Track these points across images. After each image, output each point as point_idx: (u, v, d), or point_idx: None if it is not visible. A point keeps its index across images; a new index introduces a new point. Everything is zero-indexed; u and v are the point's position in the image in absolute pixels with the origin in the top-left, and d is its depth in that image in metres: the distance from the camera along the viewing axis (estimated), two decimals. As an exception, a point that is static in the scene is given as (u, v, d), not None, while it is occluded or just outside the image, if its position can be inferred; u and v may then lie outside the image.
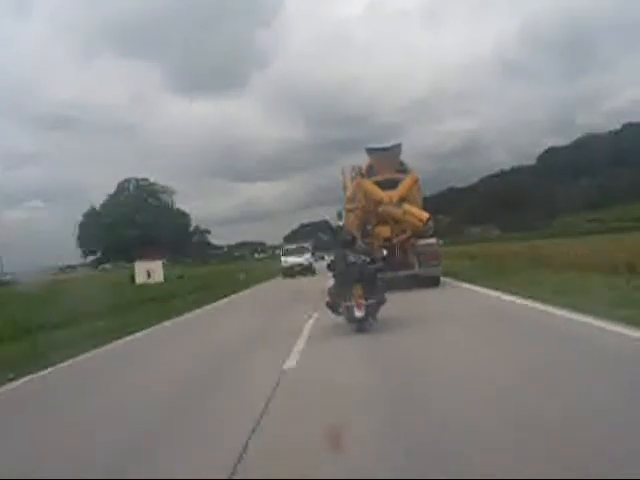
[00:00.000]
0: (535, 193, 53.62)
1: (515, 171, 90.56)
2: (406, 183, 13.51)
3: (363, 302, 7.40)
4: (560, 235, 28.14)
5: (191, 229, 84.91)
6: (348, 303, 7.48)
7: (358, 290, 7.42)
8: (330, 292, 8.05)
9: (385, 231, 13.52)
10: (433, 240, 13.87)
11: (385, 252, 10.85)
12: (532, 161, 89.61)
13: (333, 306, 7.89)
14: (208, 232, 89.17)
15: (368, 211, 13.88)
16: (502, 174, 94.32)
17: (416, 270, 13.48)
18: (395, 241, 13.41)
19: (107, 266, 77.64)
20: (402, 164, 14.09)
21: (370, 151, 13.81)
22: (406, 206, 13.30)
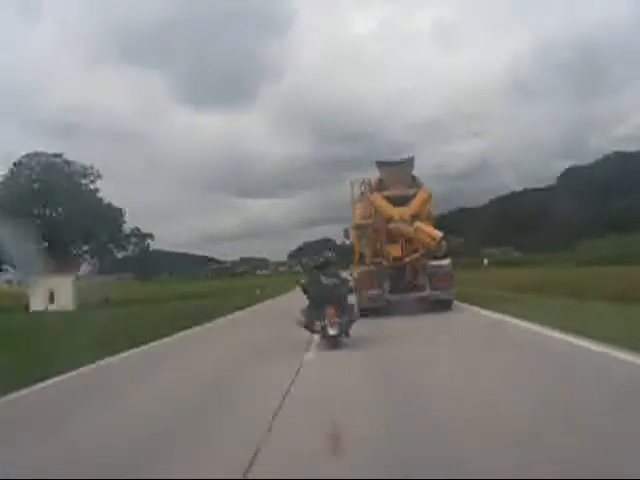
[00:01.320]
0: (555, 214, 52.68)
1: (528, 192, 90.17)
2: (418, 199, 13.01)
3: (336, 320, 8.34)
4: (601, 261, 25.05)
5: (127, 231, 55.87)
6: (322, 322, 8.39)
7: (331, 310, 8.36)
8: (303, 312, 8.89)
9: (395, 250, 12.99)
10: (446, 261, 13.31)
11: (351, 276, 12.09)
12: (550, 181, 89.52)
13: (308, 325, 8.71)
14: (150, 237, 59.50)
15: (378, 228, 13.39)
16: (513, 195, 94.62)
17: (427, 292, 12.88)
18: (406, 261, 12.84)
19: (10, 277, 50.20)
20: (414, 179, 13.62)
21: (381, 165, 13.36)
22: (418, 224, 12.78)
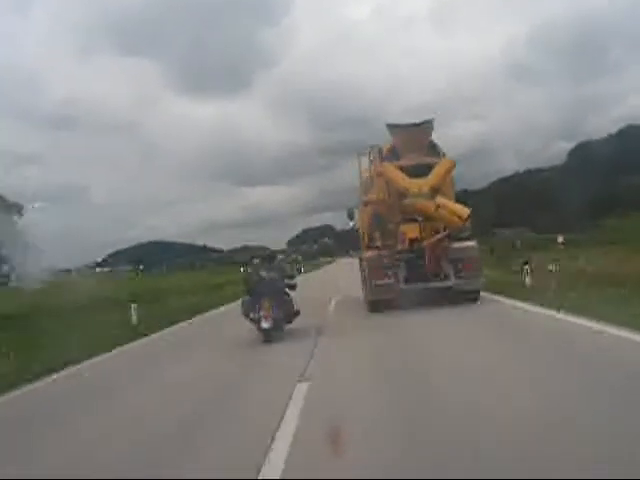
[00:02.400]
0: (567, 193, 50.46)
1: (533, 172, 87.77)
2: (440, 169, 10.91)
3: (270, 315, 8.37)
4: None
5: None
6: (257, 314, 8.44)
7: (266, 303, 8.40)
8: (243, 302, 8.96)
9: (412, 230, 10.92)
10: (472, 243, 11.27)
11: (297, 269, 11.12)
12: (552, 162, 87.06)
13: (246, 315, 8.75)
14: (20, 210, 32.74)
15: (390, 205, 11.32)
16: (516, 176, 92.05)
17: (451, 281, 10.85)
18: (425, 244, 10.77)
19: None
20: (434, 146, 11.50)
21: (393, 128, 11.21)
22: (440, 199, 10.68)
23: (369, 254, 11.22)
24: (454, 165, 11.12)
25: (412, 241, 10.91)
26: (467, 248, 11.18)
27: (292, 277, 9.49)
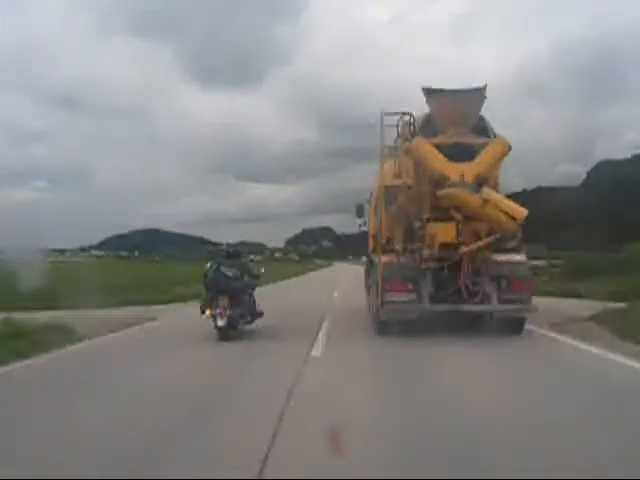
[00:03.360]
0: (589, 211, 47.76)
1: (543, 190, 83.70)
2: (489, 152, 8.14)
3: (226, 312, 8.15)
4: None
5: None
6: (213, 311, 8.20)
7: (223, 301, 8.18)
8: (202, 298, 8.77)
9: (445, 231, 8.11)
10: (521, 257, 8.54)
11: (262, 270, 10.06)
12: (560, 182, 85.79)
13: (203, 310, 8.47)
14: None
15: (418, 195, 8.52)
16: (524, 192, 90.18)
17: (493, 305, 8.06)
18: (462, 251, 7.96)
19: None
20: (483, 121, 8.67)
21: (431, 93, 8.35)
22: (488, 192, 7.89)
23: (385, 259, 8.39)
24: (509, 149, 8.29)
25: (444, 246, 8.07)
26: (515, 263, 8.42)
27: (257, 277, 9.32)
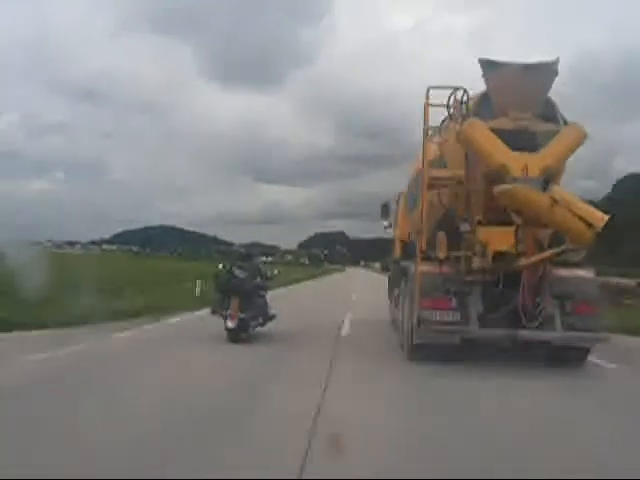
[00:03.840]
0: (618, 223, 45.65)
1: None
2: (560, 142, 6.56)
3: (237, 315, 7.96)
4: None
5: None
6: (225, 313, 8.06)
7: (235, 303, 8.00)
8: (213, 299, 8.63)
9: (501, 238, 6.55)
10: (588, 273, 6.94)
11: (276, 272, 9.89)
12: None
13: (215, 311, 8.34)
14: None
15: (470, 192, 6.92)
16: None
17: (558, 332, 6.49)
18: (522, 263, 6.39)
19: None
20: (552, 104, 7.08)
21: (490, 66, 6.77)
22: (559, 190, 6.33)
23: (424, 268, 6.79)
24: (584, 138, 6.70)
25: (499, 256, 6.48)
26: (582, 280, 6.84)
27: (269, 279, 9.21)
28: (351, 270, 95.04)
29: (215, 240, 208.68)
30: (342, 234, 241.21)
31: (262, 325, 8.61)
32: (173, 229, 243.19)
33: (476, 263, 6.59)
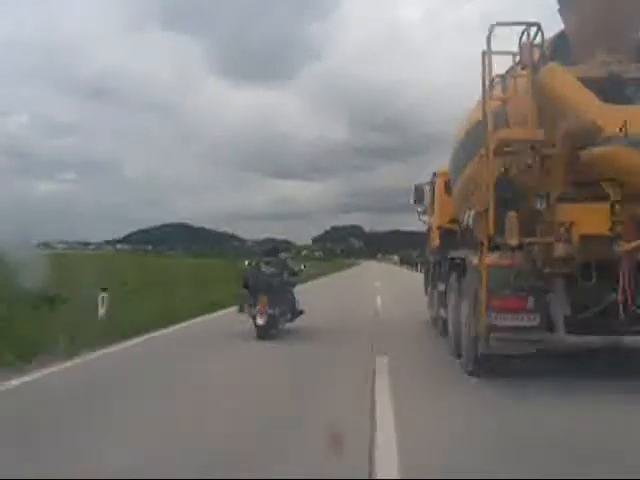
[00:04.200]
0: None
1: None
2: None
3: (265, 311, 7.91)
4: None
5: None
6: (254, 310, 7.98)
7: (263, 299, 7.93)
8: (240, 295, 8.52)
9: (595, 218, 5.09)
10: None
11: (303, 267, 10.13)
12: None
13: (242, 309, 8.23)
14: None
15: (549, 159, 5.41)
16: None
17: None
18: (625, 248, 4.89)
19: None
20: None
21: (569, -2, 5.24)
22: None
23: (493, 259, 5.34)
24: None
25: (590, 240, 5.00)
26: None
27: (296, 274, 9.18)
28: (369, 264, 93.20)
29: (230, 236, 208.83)
30: (358, 227, 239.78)
31: (291, 321, 8.57)
32: (187, 227, 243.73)
33: (559, 251, 5.10)
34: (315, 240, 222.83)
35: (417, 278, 13.29)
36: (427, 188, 10.23)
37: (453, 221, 8.26)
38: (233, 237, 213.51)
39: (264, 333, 7.92)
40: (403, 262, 73.11)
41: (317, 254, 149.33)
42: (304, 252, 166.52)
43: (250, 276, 8.40)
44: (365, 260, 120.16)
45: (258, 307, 7.93)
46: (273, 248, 9.25)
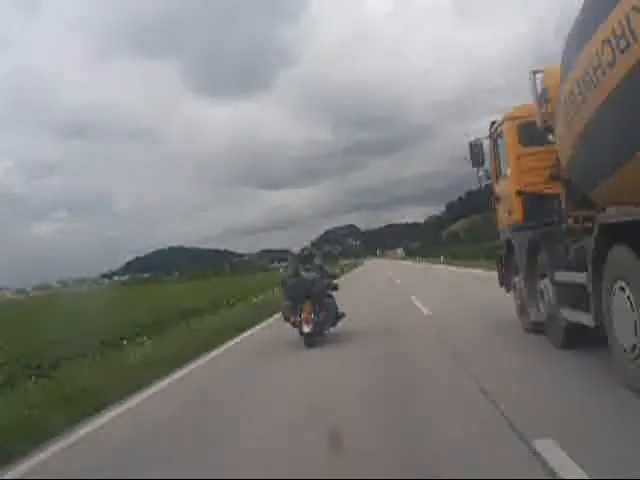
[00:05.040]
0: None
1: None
2: None
3: (311, 318, 7.69)
4: None
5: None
6: (298, 318, 7.76)
7: (307, 306, 7.75)
8: (284, 305, 8.31)
9: None
10: None
11: (338, 270, 10.16)
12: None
13: (287, 318, 8.06)
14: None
15: None
16: None
17: None
18: None
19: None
20: None
21: None
22: None
23: None
24: None
25: None
26: None
27: (334, 277, 9.13)
28: (373, 262, 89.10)
29: (226, 253, 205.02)
30: (353, 227, 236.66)
31: (333, 325, 8.27)
32: (184, 249, 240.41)
33: None
34: (312, 245, 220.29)
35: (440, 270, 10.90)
36: (487, 144, 7.42)
37: (554, 179, 5.41)
38: (230, 253, 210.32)
39: (312, 341, 7.68)
40: (409, 254, 70.30)
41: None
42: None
43: (292, 283, 8.10)
44: (366, 259, 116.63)
45: (303, 315, 7.68)
46: (309, 254, 8.83)
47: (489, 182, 7.73)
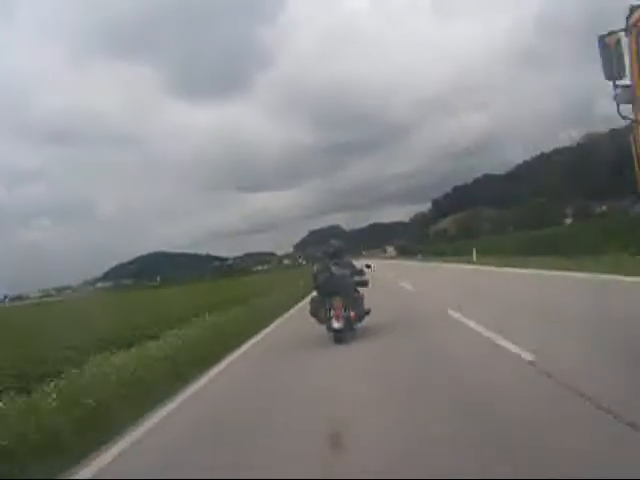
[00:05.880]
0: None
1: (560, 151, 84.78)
2: None
3: (341, 314, 7.76)
4: None
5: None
6: (328, 314, 7.86)
7: (337, 302, 7.81)
8: (313, 300, 8.43)
9: None
10: None
11: (366, 267, 9.42)
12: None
13: (315, 314, 8.23)
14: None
15: None
16: (542, 156, 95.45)
17: None
18: None
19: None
20: None
21: None
22: None
23: None
24: None
25: None
26: None
27: (362, 273, 8.89)
28: (361, 263, 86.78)
29: (210, 258, 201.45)
30: (337, 227, 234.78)
31: (360, 321, 8.26)
32: (166, 254, 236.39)
33: None
34: (296, 247, 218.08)
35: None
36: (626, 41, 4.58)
37: None
38: (213, 257, 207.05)
39: (341, 337, 7.73)
40: (400, 253, 68.50)
41: (300, 261, 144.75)
42: (286, 261, 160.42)
43: (323, 280, 8.11)
44: (353, 259, 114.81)
45: (333, 311, 7.77)
46: (339, 249, 8.67)
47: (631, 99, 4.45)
